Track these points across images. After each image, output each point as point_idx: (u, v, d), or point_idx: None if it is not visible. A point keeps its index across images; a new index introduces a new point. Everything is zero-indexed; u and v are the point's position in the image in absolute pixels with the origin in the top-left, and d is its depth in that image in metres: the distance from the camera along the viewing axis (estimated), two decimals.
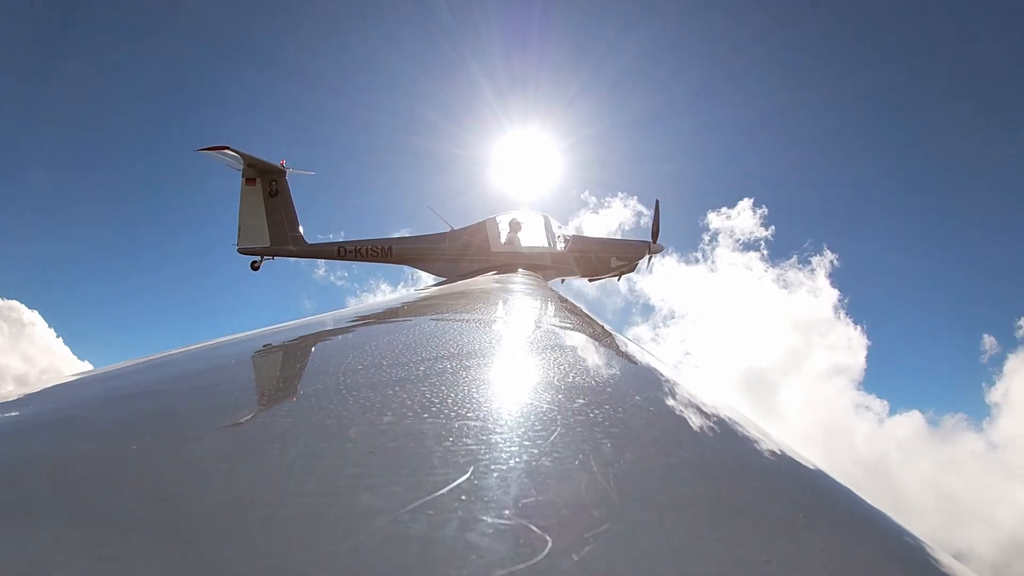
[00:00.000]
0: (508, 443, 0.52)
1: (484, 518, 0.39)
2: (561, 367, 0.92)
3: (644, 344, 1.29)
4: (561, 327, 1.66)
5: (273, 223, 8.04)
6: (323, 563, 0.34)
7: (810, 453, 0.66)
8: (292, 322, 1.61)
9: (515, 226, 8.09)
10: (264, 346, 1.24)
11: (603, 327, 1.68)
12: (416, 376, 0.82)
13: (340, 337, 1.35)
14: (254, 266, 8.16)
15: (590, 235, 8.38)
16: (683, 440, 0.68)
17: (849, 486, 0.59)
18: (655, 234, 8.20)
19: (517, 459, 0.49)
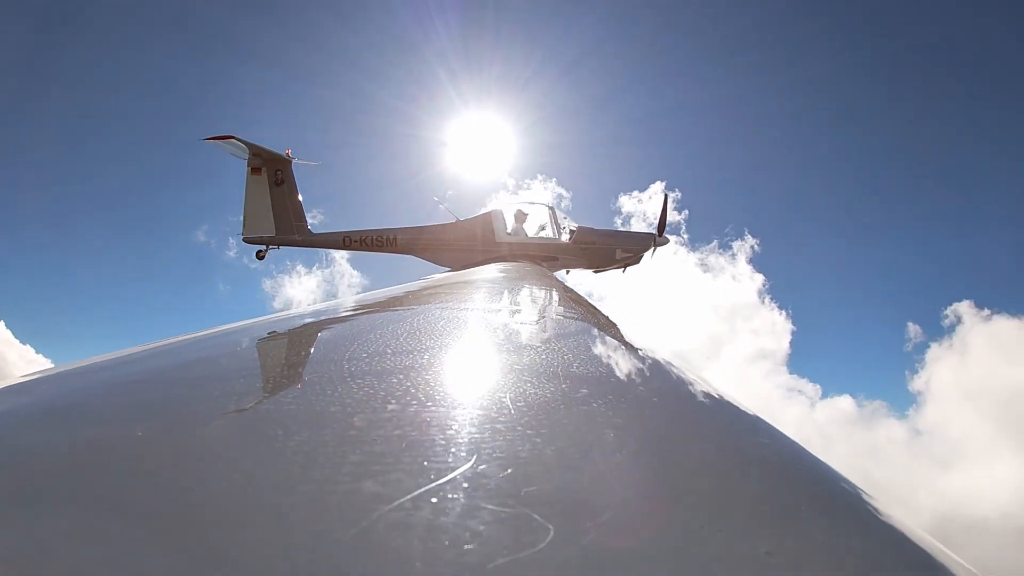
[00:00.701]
0: (511, 432, 0.53)
1: (487, 506, 0.39)
2: (565, 357, 0.92)
3: (648, 335, 1.29)
4: (565, 317, 1.66)
5: (278, 212, 8.04)
6: (327, 549, 0.34)
7: None
8: (295, 310, 1.61)
9: (520, 217, 8.08)
10: (268, 334, 1.24)
11: (607, 318, 1.68)
12: (420, 365, 0.82)
13: (344, 325, 1.35)
14: (259, 255, 8.18)
15: (595, 227, 8.36)
16: (685, 431, 0.68)
17: (850, 479, 0.59)
18: (661, 227, 8.19)
19: (520, 448, 0.49)
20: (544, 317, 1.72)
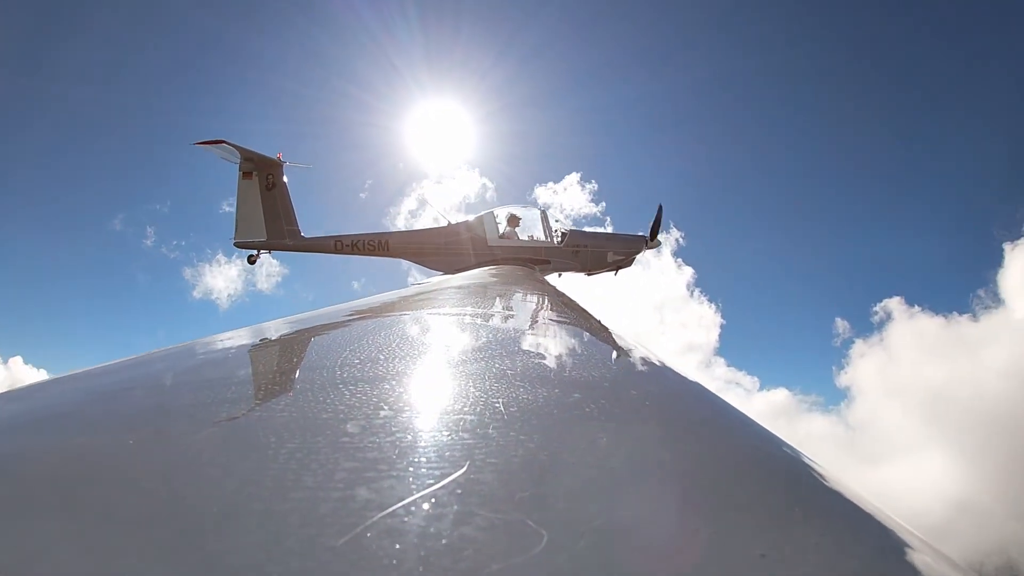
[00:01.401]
0: (504, 437, 0.52)
1: (480, 512, 0.39)
2: (557, 361, 0.92)
3: (640, 338, 1.29)
4: (557, 321, 1.66)
5: (270, 217, 7.99)
6: (319, 557, 0.34)
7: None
8: (287, 317, 1.61)
9: (512, 220, 8.09)
10: (260, 341, 1.23)
11: (599, 321, 1.69)
12: (412, 371, 0.82)
13: (336, 332, 1.35)
14: (251, 260, 8.12)
15: (587, 230, 8.40)
16: (679, 434, 0.68)
17: (845, 480, 0.59)
18: (654, 234, 8.26)
19: (513, 453, 0.49)
20: (536, 321, 1.72)
